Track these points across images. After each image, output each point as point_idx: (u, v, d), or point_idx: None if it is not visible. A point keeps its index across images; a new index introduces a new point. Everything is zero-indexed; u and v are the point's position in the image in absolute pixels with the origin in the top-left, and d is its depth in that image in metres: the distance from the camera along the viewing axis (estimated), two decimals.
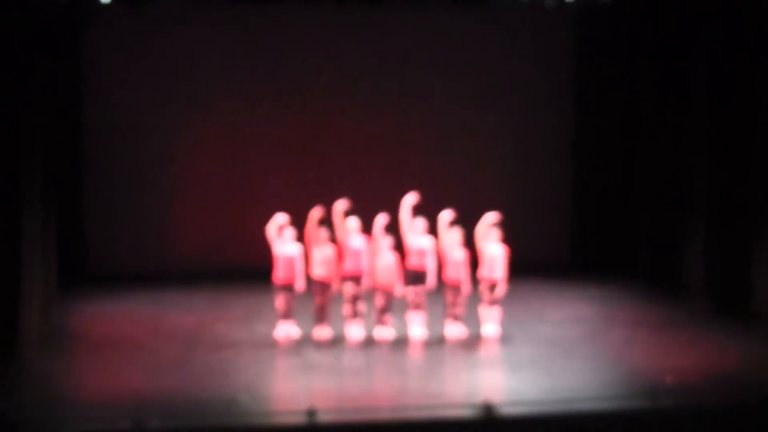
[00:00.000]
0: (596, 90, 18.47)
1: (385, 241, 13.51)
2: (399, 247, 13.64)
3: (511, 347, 13.10)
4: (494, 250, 13.66)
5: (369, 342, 13.34)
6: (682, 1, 15.98)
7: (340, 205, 13.57)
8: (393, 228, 13.85)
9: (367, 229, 13.73)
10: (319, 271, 13.41)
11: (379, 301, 13.54)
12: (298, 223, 13.82)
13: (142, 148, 17.77)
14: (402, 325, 13.81)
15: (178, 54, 17.72)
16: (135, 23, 17.47)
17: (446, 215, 13.60)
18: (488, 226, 13.70)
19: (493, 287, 13.68)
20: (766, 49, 14.49)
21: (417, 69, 18.26)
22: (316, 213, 13.47)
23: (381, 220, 13.50)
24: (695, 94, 15.77)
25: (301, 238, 13.60)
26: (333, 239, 13.56)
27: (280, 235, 13.49)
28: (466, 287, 13.62)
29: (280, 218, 13.51)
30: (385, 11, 18.08)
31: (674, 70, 16.31)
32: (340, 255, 13.56)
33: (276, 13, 17.86)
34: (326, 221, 13.71)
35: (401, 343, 13.33)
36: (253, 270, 15.72)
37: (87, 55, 17.36)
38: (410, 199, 13.62)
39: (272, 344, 13.20)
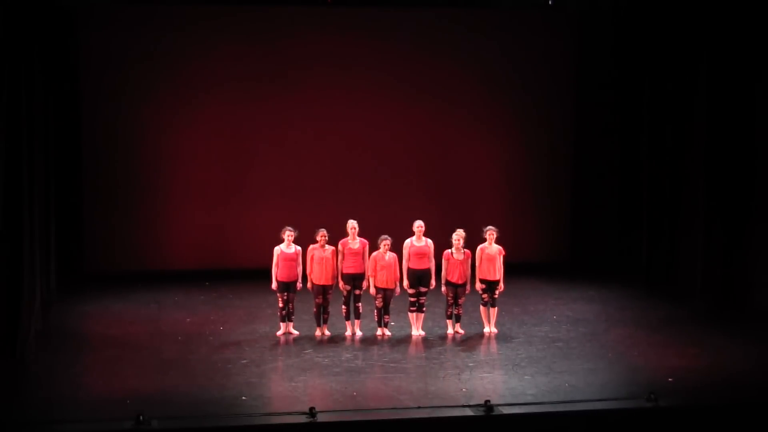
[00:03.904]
0: (596, 91, 18.47)
1: (385, 242, 13.49)
2: (398, 247, 13.62)
3: (511, 347, 13.09)
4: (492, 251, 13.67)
5: (369, 342, 13.35)
6: (683, 4, 15.99)
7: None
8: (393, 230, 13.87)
9: (366, 230, 13.73)
10: (317, 274, 13.43)
11: (379, 301, 13.54)
12: (298, 222, 13.83)
13: (141, 148, 17.74)
14: (402, 325, 13.82)
15: (177, 54, 17.68)
16: (134, 23, 17.45)
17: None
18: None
19: (492, 287, 13.69)
20: (765, 52, 14.50)
21: (417, 70, 18.24)
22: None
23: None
24: (695, 95, 15.76)
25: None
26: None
27: (282, 236, 13.49)
28: (465, 287, 13.63)
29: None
30: (385, 13, 18.08)
31: (674, 72, 16.31)
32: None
33: (276, 13, 17.85)
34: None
35: (401, 343, 13.34)
36: (253, 270, 15.74)
37: (86, 55, 17.35)
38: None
39: (272, 344, 13.21)
